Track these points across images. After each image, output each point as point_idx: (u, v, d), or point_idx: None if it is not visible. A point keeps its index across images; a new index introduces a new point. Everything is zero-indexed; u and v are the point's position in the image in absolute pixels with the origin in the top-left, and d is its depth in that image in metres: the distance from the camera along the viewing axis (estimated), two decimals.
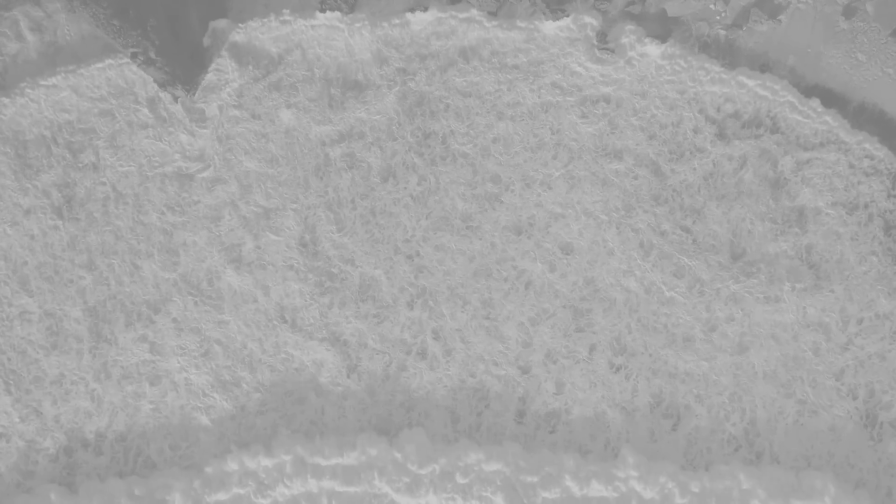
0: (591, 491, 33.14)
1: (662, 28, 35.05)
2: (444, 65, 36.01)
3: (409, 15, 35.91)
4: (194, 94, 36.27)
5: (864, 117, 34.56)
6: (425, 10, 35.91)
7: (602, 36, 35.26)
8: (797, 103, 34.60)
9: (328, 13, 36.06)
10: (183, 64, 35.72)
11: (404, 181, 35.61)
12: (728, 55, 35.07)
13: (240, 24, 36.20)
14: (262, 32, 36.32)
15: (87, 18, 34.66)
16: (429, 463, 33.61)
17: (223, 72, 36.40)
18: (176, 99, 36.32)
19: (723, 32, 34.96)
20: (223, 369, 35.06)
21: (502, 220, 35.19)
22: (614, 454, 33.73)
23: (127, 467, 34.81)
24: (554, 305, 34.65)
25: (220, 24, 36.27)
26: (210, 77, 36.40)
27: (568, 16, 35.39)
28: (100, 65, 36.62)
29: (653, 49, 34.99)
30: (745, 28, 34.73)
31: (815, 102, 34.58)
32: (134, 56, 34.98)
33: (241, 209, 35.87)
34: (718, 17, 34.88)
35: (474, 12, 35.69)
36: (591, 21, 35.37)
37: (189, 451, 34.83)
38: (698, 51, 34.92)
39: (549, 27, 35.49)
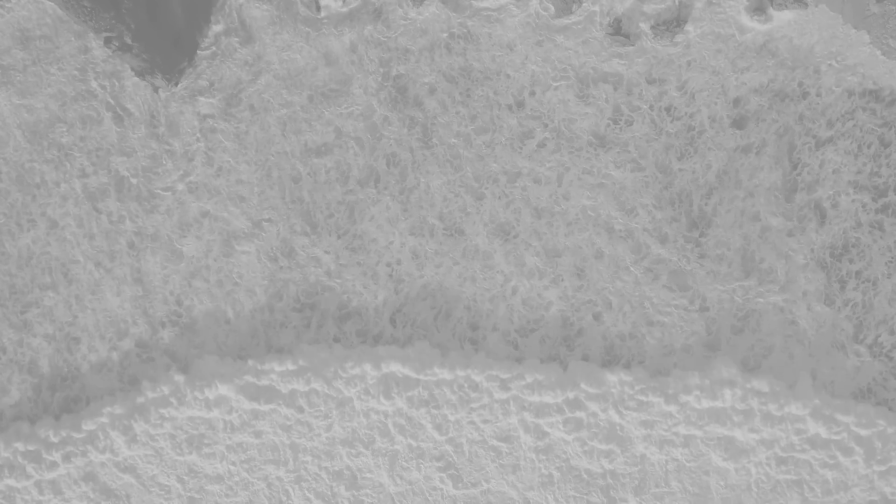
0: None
1: (681, 12, 33.41)
2: (430, 45, 34.11)
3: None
4: (177, 85, 34.41)
5: None
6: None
7: (616, 22, 33.52)
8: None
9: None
10: (163, 51, 33.73)
11: (384, 182, 33.79)
12: None
13: None
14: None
15: None
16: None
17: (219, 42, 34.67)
18: (156, 89, 34.47)
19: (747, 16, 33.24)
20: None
21: (485, 218, 33.39)
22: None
23: None
24: (545, 315, 33.04)
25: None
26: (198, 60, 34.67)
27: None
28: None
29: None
30: (769, 12, 32.97)
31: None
32: (108, 41, 33.07)
33: (210, 219, 34.22)
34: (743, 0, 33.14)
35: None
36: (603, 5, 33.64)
37: None
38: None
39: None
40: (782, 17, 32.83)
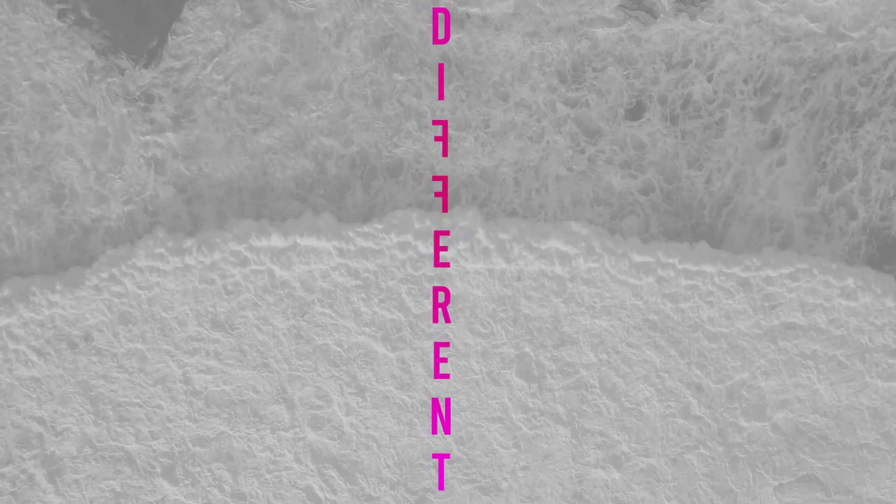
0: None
1: None
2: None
3: None
4: (146, 67, 31.70)
5: None
6: None
7: None
8: None
9: None
10: (127, 27, 31.29)
11: (352, 189, 30.88)
12: None
13: None
14: None
15: None
16: None
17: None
18: (122, 72, 31.79)
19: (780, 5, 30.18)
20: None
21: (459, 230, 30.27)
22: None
23: None
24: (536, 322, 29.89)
25: None
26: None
27: None
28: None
29: None
30: None
31: None
32: (62, 14, 31.04)
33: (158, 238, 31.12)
34: None
35: None
36: None
37: None
38: None
39: None
40: None
